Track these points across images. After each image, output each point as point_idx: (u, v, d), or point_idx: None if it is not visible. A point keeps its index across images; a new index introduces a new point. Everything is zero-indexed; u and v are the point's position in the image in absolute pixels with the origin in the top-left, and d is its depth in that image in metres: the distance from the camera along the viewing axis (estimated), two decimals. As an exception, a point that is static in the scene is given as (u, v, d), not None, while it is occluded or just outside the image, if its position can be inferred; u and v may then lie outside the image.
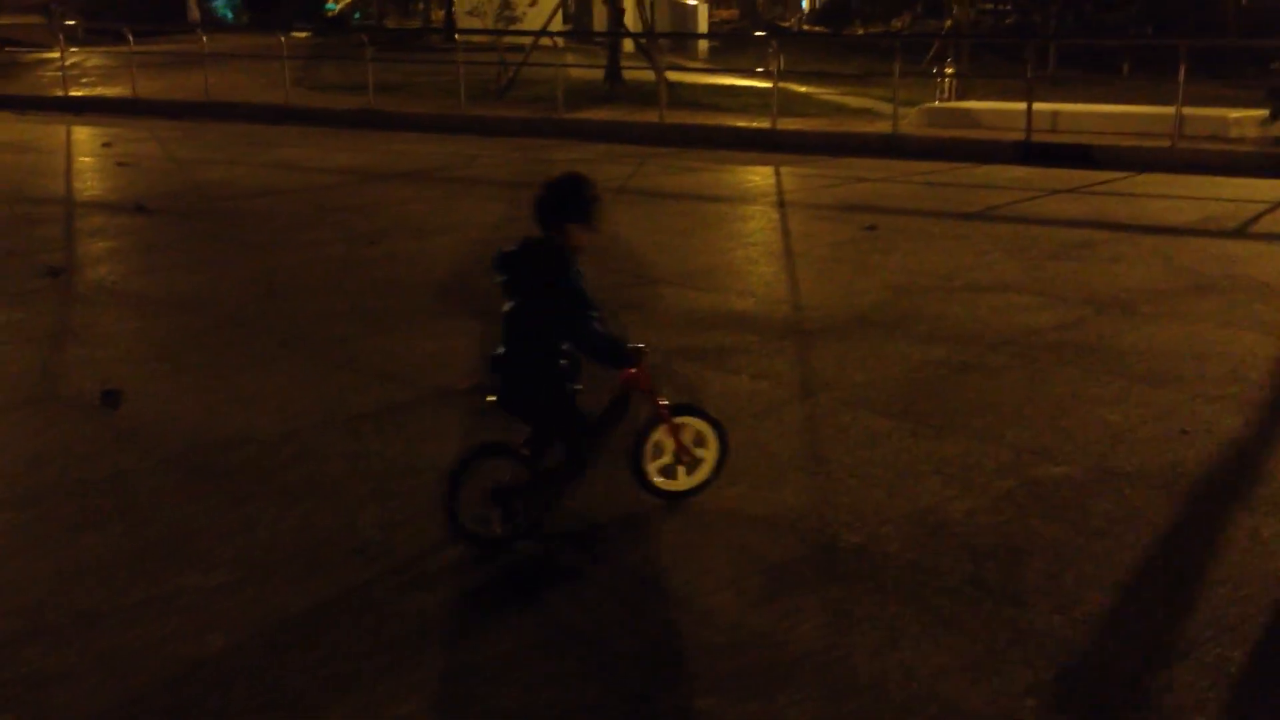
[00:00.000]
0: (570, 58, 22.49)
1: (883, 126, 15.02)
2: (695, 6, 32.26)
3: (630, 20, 23.77)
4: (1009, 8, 31.80)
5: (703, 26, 31.90)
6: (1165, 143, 13.02)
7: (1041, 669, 3.07)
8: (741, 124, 15.79)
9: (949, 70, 18.84)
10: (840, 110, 17.68)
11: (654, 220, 9.62)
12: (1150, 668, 3.08)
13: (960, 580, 3.56)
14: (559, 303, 3.79)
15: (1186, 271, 7.62)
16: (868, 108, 17.79)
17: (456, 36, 27.44)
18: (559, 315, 3.81)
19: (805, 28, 38.58)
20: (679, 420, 4.17)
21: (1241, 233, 9.08)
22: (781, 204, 10.63)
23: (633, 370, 3.96)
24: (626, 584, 3.61)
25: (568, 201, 3.87)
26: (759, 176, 12.38)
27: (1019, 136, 13.72)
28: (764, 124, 15.28)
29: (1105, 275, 7.57)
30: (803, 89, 19.96)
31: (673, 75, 18.49)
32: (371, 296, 7.18)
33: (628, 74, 20.62)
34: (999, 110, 15.42)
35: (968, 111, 15.96)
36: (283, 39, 19.60)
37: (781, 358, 5.93)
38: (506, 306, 3.87)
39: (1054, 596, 3.46)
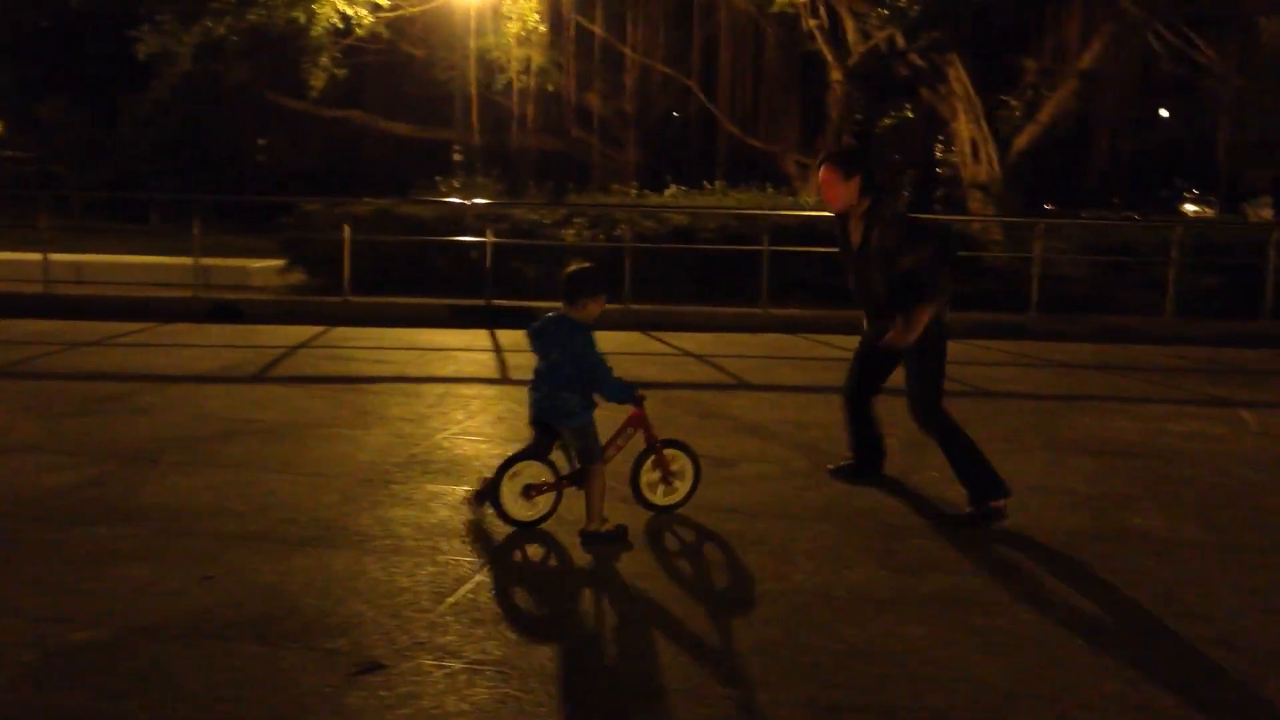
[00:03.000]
0: None
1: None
2: None
3: None
4: (31, 155, 30.71)
5: None
6: (188, 292, 13.40)
7: None
8: None
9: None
10: None
11: None
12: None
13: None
14: (589, 362, 5.31)
15: (212, 418, 7.82)
16: None
17: None
18: (585, 369, 5.32)
19: None
20: (668, 452, 5.68)
21: (261, 377, 9.57)
22: None
23: (637, 410, 5.54)
24: None
25: (586, 282, 5.35)
26: None
27: (39, 289, 13.20)
28: None
29: (131, 427, 7.49)
30: None
31: None
32: None
33: None
34: (16, 261, 14.72)
35: (-18, 262, 15.01)
36: None
37: None
38: (540, 364, 5.42)
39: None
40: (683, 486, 5.81)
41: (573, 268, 5.50)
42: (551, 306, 5.71)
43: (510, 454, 5.58)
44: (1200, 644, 4.43)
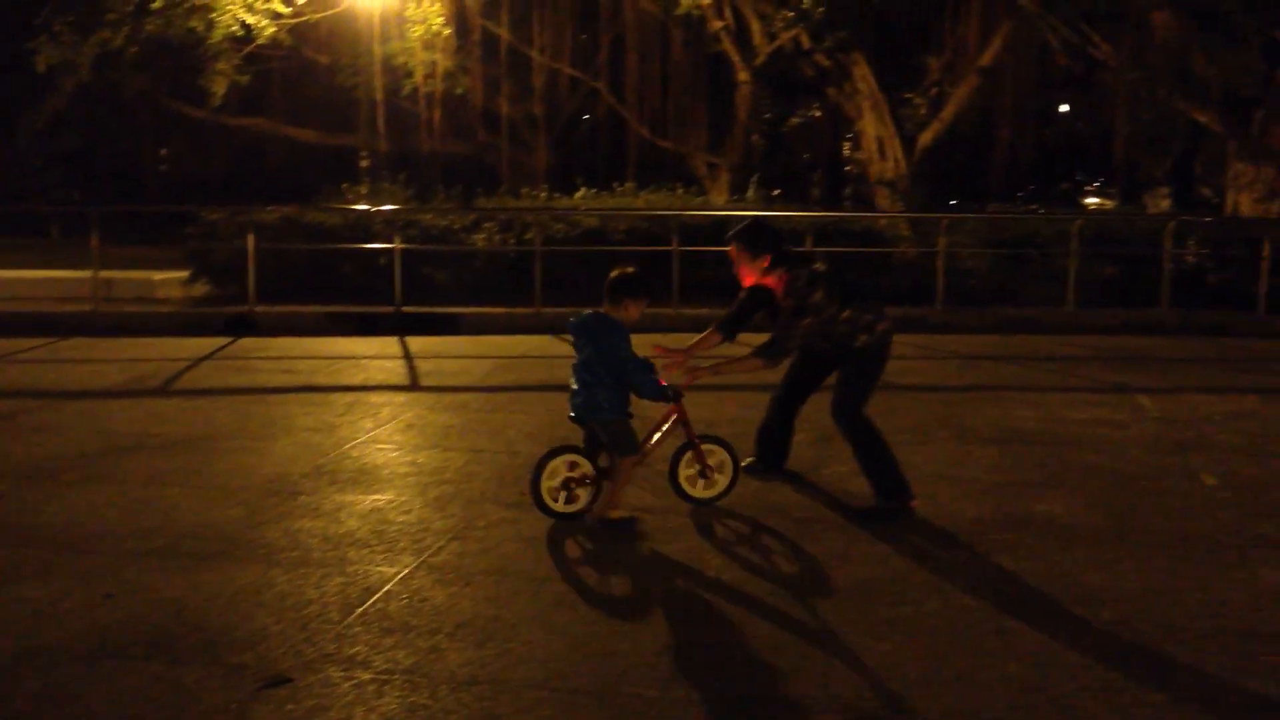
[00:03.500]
0: None
1: None
2: None
3: None
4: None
5: None
6: (89, 306, 13.11)
7: None
8: None
9: None
10: None
11: None
12: None
13: None
14: (620, 358, 5.51)
15: (113, 434, 7.65)
16: None
17: None
18: (620, 366, 5.52)
19: None
20: (706, 447, 5.89)
21: (165, 391, 9.38)
22: None
23: (675, 406, 5.74)
24: None
25: (629, 284, 5.59)
26: None
27: (-69, 305, 12.83)
28: None
29: (29, 445, 7.30)
30: None
31: None
32: None
33: None
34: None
35: None
36: None
37: None
38: (579, 358, 5.61)
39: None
40: (722, 480, 5.99)
41: (616, 272, 5.70)
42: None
43: (549, 449, 5.79)
44: (1101, 626, 4.53)
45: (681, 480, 5.99)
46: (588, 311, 5.68)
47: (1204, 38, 17.36)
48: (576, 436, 5.88)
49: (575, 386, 5.64)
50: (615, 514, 5.65)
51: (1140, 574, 5.13)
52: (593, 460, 5.71)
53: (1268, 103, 16.84)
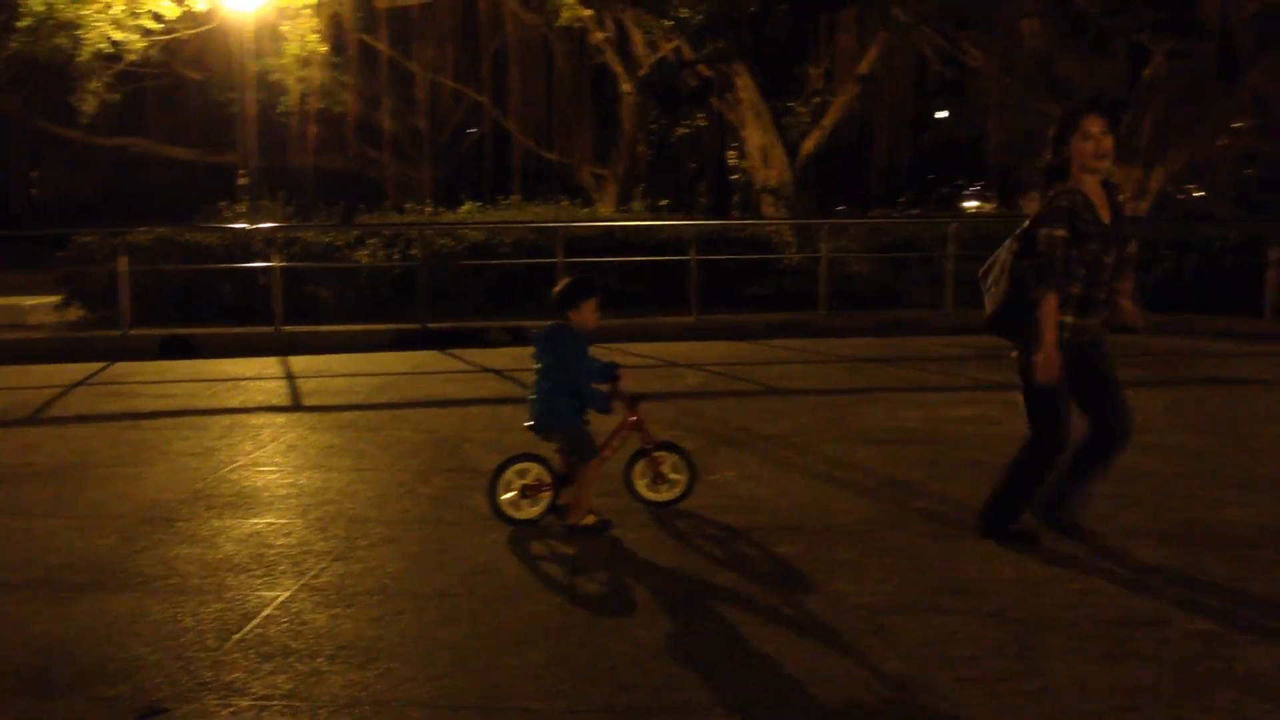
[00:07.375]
0: None
1: None
2: None
3: None
4: None
5: None
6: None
7: None
8: None
9: None
10: None
11: None
12: None
13: None
14: (567, 360, 5.66)
15: (-21, 464, 7.38)
16: None
17: None
18: (570, 374, 5.67)
19: None
20: (658, 454, 6.03)
21: (36, 419, 9.08)
22: None
23: (633, 412, 5.87)
24: None
25: (569, 294, 5.75)
26: None
27: None
28: None
29: (-112, 480, 7.00)
30: None
31: None
32: None
33: None
34: None
35: None
36: None
37: None
38: (538, 366, 5.76)
39: None
40: (679, 481, 6.10)
41: (558, 286, 5.90)
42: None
43: (501, 460, 5.92)
44: (978, 618, 4.62)
45: (635, 485, 6.13)
46: (549, 323, 5.82)
47: (1071, 43, 17.90)
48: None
49: (534, 396, 5.80)
50: (585, 521, 5.75)
51: (1017, 565, 5.25)
52: (546, 465, 5.83)
53: (1133, 105, 17.42)
